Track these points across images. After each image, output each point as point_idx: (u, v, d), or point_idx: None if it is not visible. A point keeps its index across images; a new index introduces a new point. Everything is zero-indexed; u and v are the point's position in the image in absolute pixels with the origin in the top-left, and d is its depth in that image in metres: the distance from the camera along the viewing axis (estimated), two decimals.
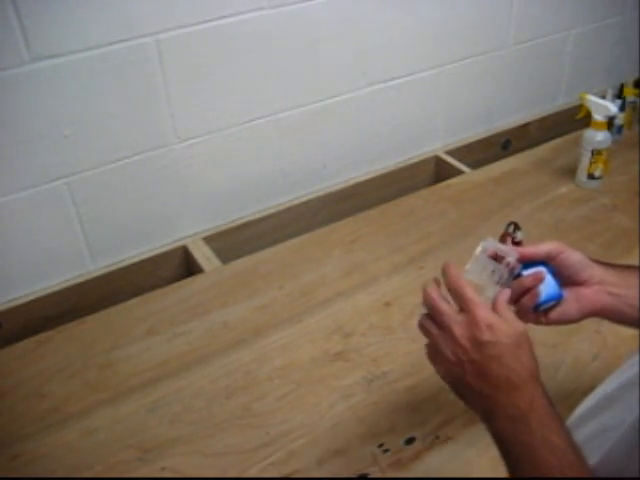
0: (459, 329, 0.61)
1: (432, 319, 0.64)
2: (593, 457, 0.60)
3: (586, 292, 0.71)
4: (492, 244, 0.71)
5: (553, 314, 0.71)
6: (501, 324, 0.60)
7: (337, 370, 0.94)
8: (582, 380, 0.90)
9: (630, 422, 0.55)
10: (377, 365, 0.95)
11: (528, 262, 0.71)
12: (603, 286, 0.71)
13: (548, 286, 0.70)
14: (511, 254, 0.70)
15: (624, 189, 1.31)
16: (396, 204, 1.32)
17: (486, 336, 0.59)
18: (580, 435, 0.65)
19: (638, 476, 0.53)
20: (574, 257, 0.71)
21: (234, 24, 1.09)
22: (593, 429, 0.64)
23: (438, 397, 0.89)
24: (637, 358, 0.63)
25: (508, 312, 0.63)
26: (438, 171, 1.47)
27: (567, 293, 0.71)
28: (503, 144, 1.56)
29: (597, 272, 0.71)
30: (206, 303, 1.09)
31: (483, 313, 0.60)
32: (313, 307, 1.06)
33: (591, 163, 1.30)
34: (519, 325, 0.62)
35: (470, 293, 0.62)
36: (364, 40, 1.25)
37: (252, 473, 0.81)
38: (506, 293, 0.66)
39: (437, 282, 0.66)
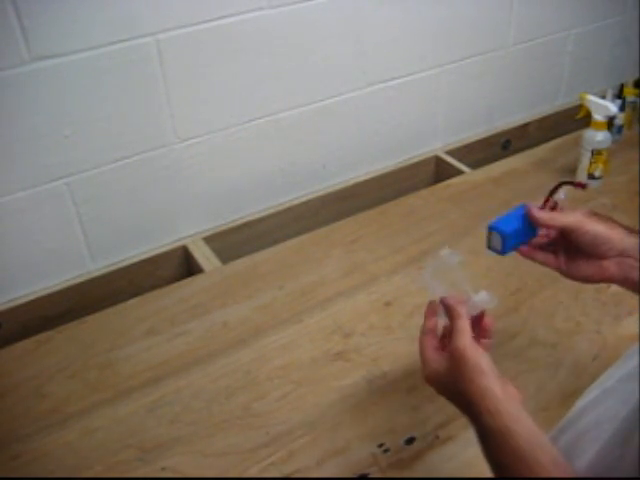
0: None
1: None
2: (588, 450, 0.60)
3: (606, 264, 0.72)
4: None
5: (570, 269, 0.75)
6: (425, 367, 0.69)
7: (337, 370, 0.94)
8: (582, 380, 0.90)
9: (625, 413, 0.55)
10: (377, 365, 0.95)
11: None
12: (623, 258, 0.71)
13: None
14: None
15: (624, 189, 1.31)
16: (396, 204, 1.32)
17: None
18: (575, 429, 0.65)
19: (633, 468, 0.53)
20: (589, 234, 0.72)
21: (234, 24, 1.09)
22: (588, 422, 0.64)
23: (438, 397, 0.88)
24: (633, 351, 0.63)
25: (428, 354, 0.69)
26: (438, 171, 1.47)
27: (588, 262, 0.74)
28: (503, 144, 1.56)
29: (619, 244, 0.72)
30: (206, 303, 1.09)
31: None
32: (313, 307, 1.06)
33: (591, 163, 1.30)
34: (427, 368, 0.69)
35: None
36: (364, 40, 1.25)
37: (252, 473, 0.81)
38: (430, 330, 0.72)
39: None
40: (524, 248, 0.77)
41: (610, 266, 0.72)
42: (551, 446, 0.59)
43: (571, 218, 0.73)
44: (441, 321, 0.72)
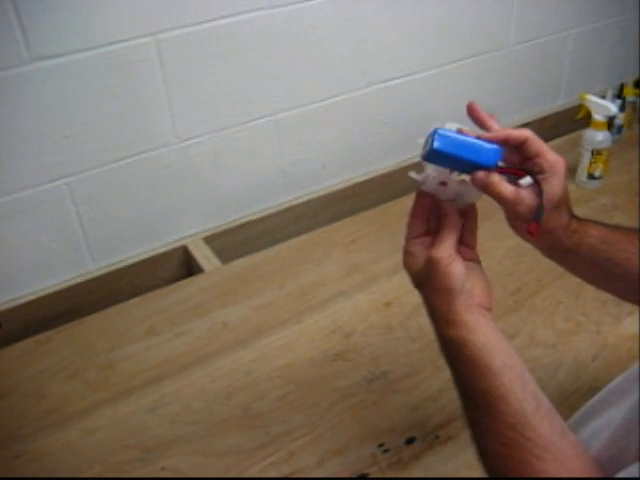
0: None
1: None
2: (597, 447, 0.60)
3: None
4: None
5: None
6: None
7: (337, 370, 0.94)
8: (582, 380, 0.90)
9: (630, 405, 0.56)
10: (377, 365, 0.95)
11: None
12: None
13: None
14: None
15: (624, 189, 1.31)
16: (396, 204, 1.32)
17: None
18: (588, 429, 0.65)
19: (634, 458, 0.53)
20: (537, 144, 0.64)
21: (234, 24, 1.09)
22: (600, 423, 0.64)
23: (438, 397, 0.89)
24: None
25: (411, 244, 0.68)
26: None
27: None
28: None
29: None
30: (206, 303, 1.09)
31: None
32: (313, 307, 1.06)
33: (591, 163, 1.30)
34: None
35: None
36: (364, 40, 1.25)
37: (252, 473, 0.81)
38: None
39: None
40: (480, 174, 0.64)
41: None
42: (506, 351, 0.60)
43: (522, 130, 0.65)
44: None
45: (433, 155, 0.64)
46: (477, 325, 0.61)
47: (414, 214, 0.69)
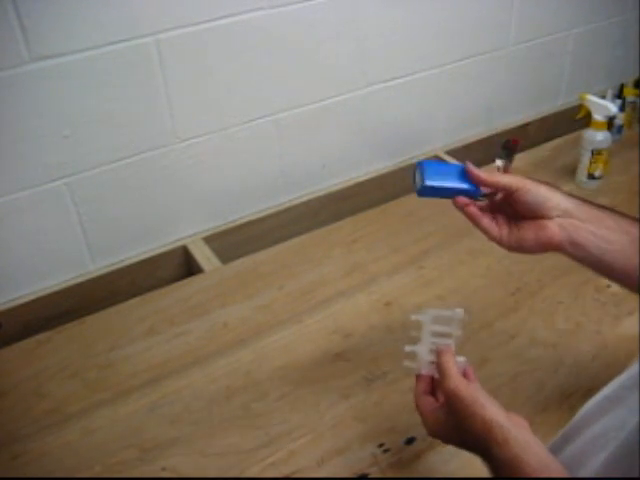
0: None
1: None
2: (594, 460, 0.60)
3: (549, 224, 0.69)
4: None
5: (511, 238, 0.71)
6: (429, 413, 0.70)
7: (337, 370, 0.94)
8: (582, 380, 0.90)
9: (631, 427, 0.55)
10: (377, 365, 0.95)
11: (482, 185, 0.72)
12: (566, 219, 0.69)
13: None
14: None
15: (624, 189, 1.31)
16: (396, 204, 1.32)
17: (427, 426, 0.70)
18: (581, 439, 0.65)
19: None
20: (532, 192, 0.69)
21: (234, 24, 1.09)
22: (594, 432, 0.64)
23: None
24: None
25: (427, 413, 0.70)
26: None
27: (528, 223, 0.70)
28: (503, 144, 1.56)
29: (562, 204, 0.69)
30: (206, 303, 1.09)
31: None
32: (313, 307, 1.06)
33: (591, 163, 1.30)
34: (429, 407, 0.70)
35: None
36: (364, 40, 1.25)
37: (252, 473, 0.81)
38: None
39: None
40: (471, 209, 0.73)
41: (553, 227, 0.69)
42: (562, 472, 0.58)
43: (512, 178, 0.70)
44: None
45: (425, 190, 0.74)
46: (529, 443, 0.59)
47: (420, 392, 0.73)
